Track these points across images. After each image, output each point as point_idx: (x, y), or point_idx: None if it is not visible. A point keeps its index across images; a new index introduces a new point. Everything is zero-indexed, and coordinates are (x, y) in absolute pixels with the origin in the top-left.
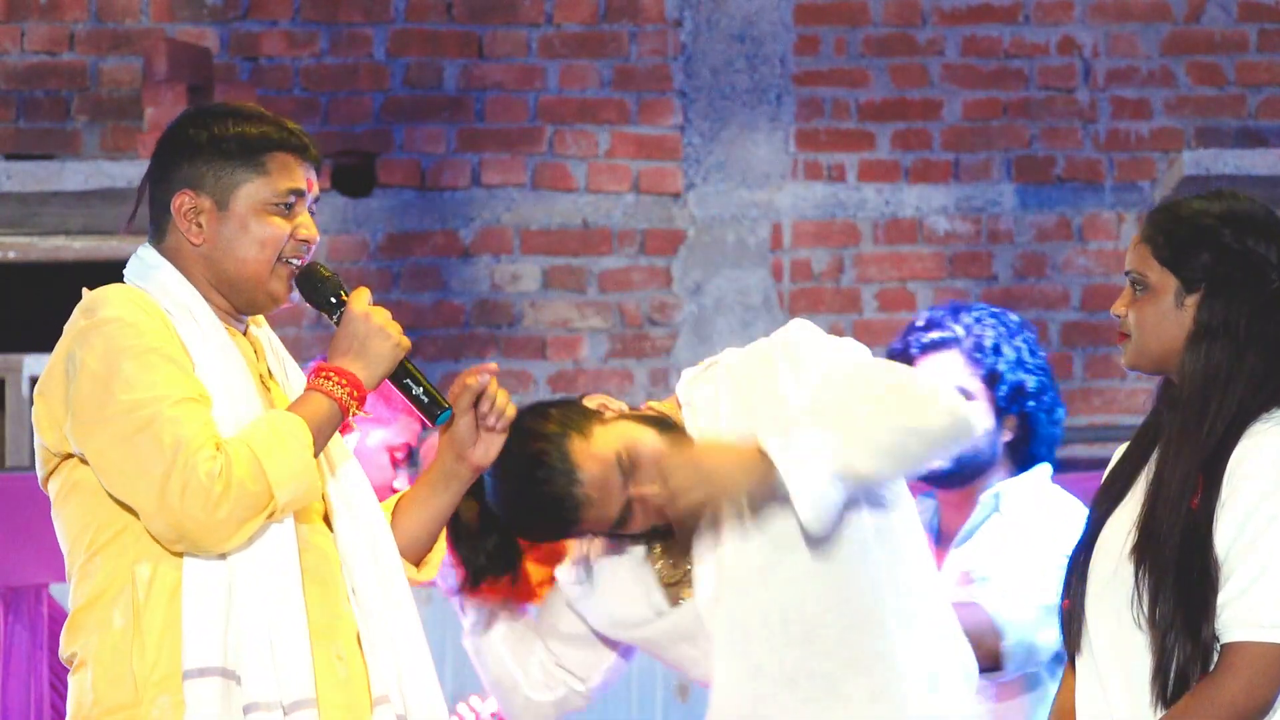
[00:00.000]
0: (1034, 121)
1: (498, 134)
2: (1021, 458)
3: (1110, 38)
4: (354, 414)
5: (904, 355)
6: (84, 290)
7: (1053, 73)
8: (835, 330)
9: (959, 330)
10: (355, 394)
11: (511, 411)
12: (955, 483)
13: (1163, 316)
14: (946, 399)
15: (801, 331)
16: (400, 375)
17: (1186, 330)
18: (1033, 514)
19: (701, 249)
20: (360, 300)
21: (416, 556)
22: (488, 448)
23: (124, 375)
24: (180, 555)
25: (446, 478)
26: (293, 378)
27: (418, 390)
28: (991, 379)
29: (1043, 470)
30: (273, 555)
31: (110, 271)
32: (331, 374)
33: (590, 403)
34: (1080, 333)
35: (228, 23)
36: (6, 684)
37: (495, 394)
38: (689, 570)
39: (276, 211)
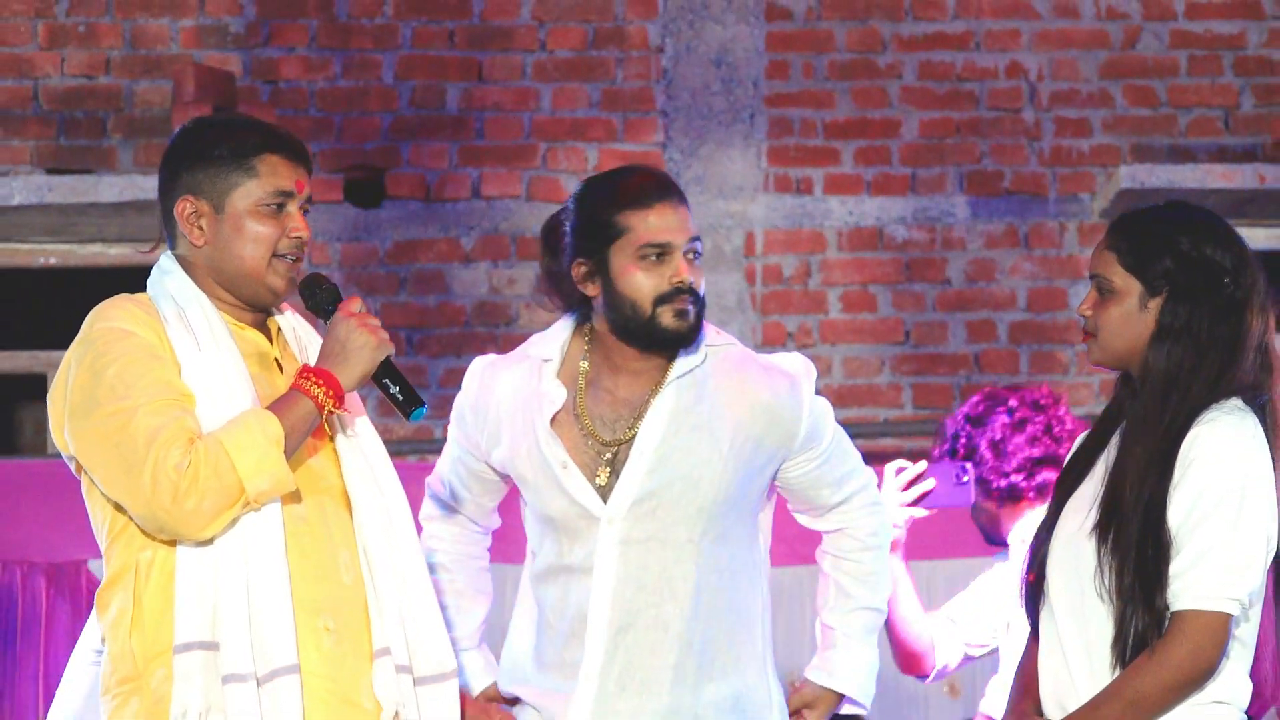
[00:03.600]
0: (984, 139)
1: (496, 150)
2: None
3: (1053, 63)
4: (331, 411)
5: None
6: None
7: (1001, 95)
8: (803, 329)
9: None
10: (332, 393)
11: None
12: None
13: (1127, 318)
14: None
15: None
16: (380, 375)
17: (1149, 330)
18: None
19: None
20: (348, 307)
21: None
22: None
23: (107, 382)
24: (175, 543)
25: None
26: (313, 359)
27: (394, 389)
28: None
29: None
30: (256, 536)
31: (143, 276)
32: (312, 375)
33: None
34: (1026, 331)
35: (250, 49)
36: (49, 653)
37: None
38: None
39: (268, 212)
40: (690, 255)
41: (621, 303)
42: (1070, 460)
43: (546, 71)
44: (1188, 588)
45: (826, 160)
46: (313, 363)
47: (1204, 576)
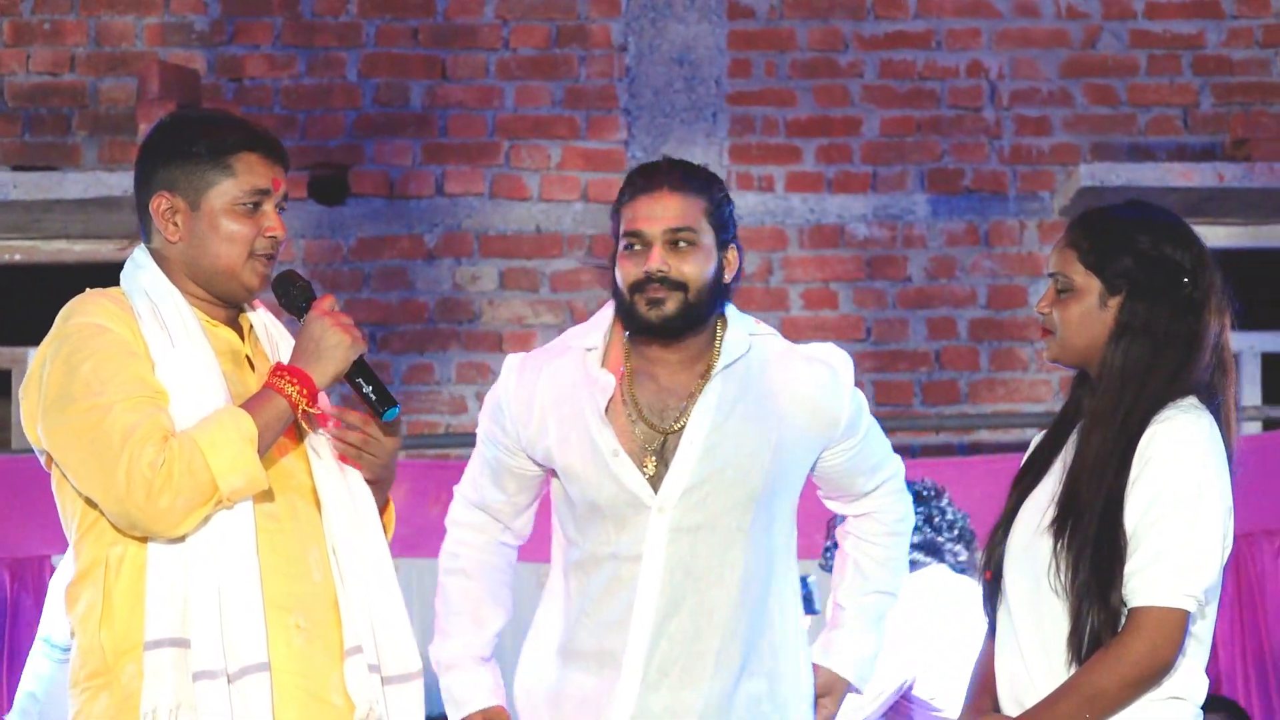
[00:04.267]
0: (945, 137)
1: (459, 148)
2: None
3: (1014, 62)
4: (305, 410)
5: None
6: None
7: (962, 93)
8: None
9: None
10: (305, 391)
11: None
12: None
13: (1087, 315)
14: None
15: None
16: (354, 374)
17: (1109, 329)
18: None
19: None
20: (321, 305)
21: None
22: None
23: (82, 378)
24: (146, 539)
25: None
26: (286, 358)
27: (368, 389)
28: None
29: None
30: (227, 533)
31: (108, 272)
32: (286, 373)
33: None
34: (986, 328)
35: (214, 47)
36: (13, 647)
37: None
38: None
39: (244, 211)
40: (679, 244)
41: (616, 290)
42: (1028, 460)
43: (510, 69)
44: (1146, 585)
45: (788, 158)
46: (285, 360)
47: (1162, 574)
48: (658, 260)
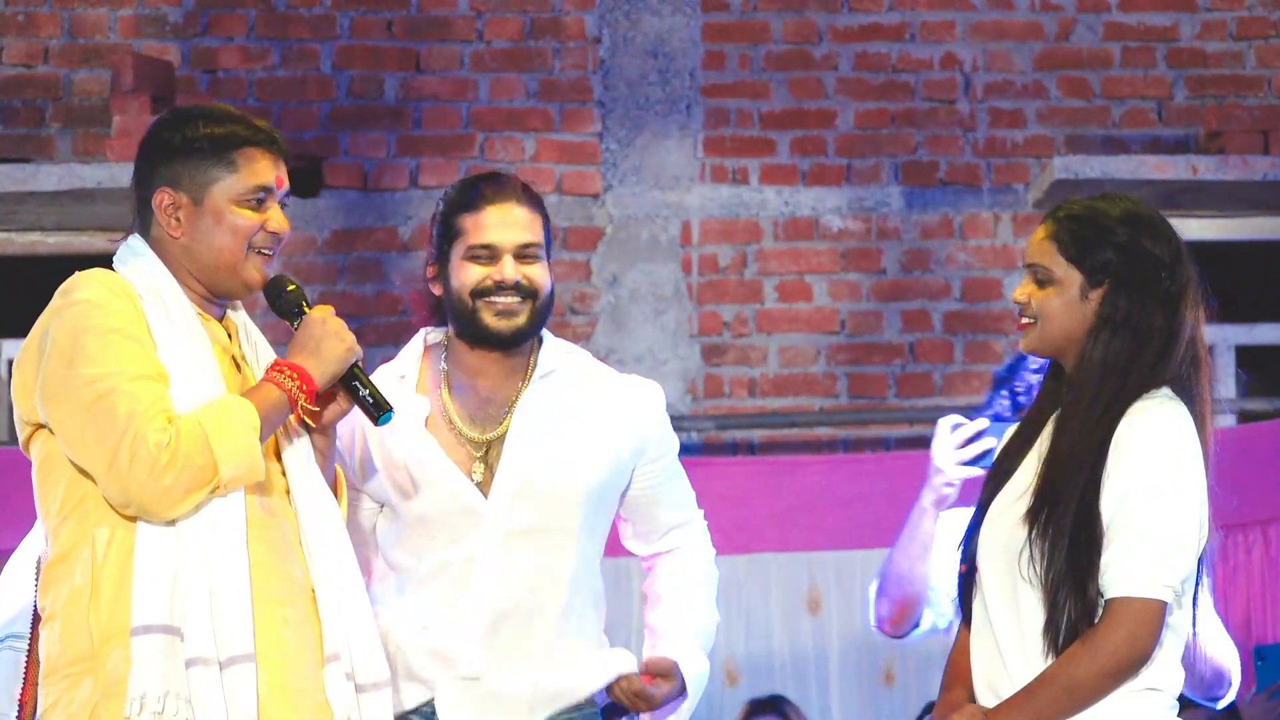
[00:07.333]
0: (919, 130)
1: (433, 140)
2: None
3: (988, 54)
4: (302, 406)
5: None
6: (60, 281)
7: (936, 86)
8: (739, 319)
9: None
10: (304, 388)
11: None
12: None
13: (1067, 308)
14: None
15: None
16: (349, 378)
17: (1089, 321)
18: None
19: (618, 245)
20: (321, 309)
21: None
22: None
23: (87, 351)
24: (135, 521)
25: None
26: (264, 360)
27: (364, 392)
28: None
29: None
30: (220, 522)
31: (80, 265)
32: (286, 369)
33: None
34: (960, 321)
35: (188, 39)
36: None
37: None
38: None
39: (247, 205)
40: (527, 259)
41: (452, 298)
42: (1001, 451)
43: (484, 62)
44: (1122, 575)
45: (762, 150)
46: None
47: (1139, 564)
48: (511, 270)
